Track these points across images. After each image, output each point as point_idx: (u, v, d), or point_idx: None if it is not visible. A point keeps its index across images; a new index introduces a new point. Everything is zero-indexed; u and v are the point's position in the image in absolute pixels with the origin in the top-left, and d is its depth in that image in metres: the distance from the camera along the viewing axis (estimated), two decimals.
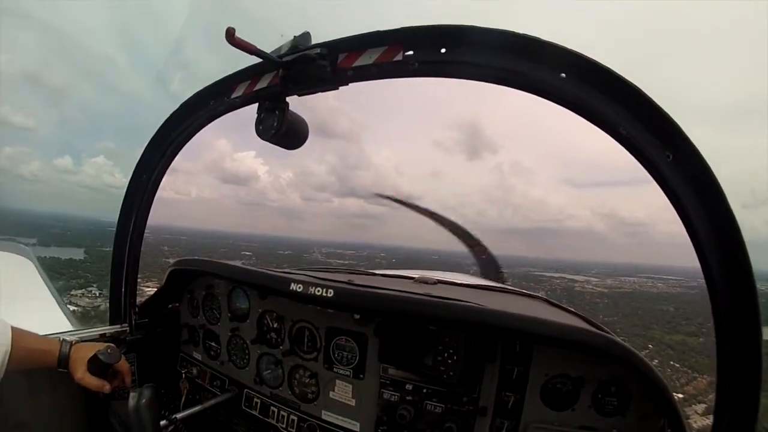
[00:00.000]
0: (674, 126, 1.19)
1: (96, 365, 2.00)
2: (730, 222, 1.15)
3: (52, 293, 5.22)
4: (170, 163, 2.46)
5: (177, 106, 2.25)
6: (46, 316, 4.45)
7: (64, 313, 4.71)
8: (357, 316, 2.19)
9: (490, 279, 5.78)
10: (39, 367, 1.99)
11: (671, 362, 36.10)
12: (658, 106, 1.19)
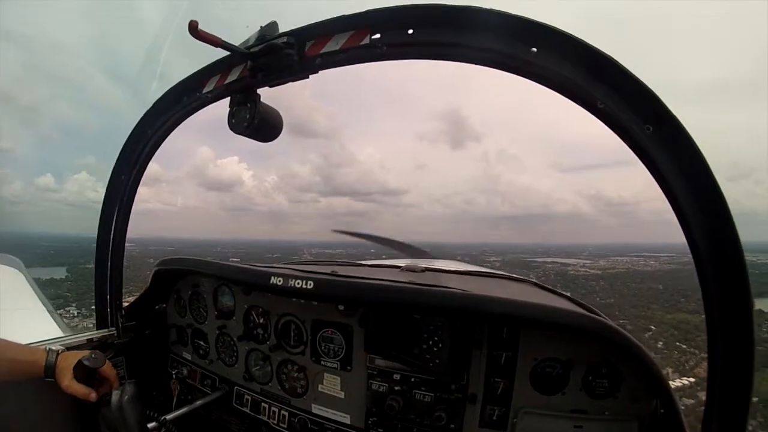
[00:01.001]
0: (653, 97, 1.17)
1: (81, 372, 2.02)
2: (714, 193, 1.14)
3: (43, 303, 5.25)
4: (149, 161, 2.46)
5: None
6: (38, 326, 4.45)
7: (56, 322, 4.71)
8: (341, 308, 2.19)
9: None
10: (26, 378, 2.00)
11: (677, 343, 35.84)
12: (636, 77, 1.18)
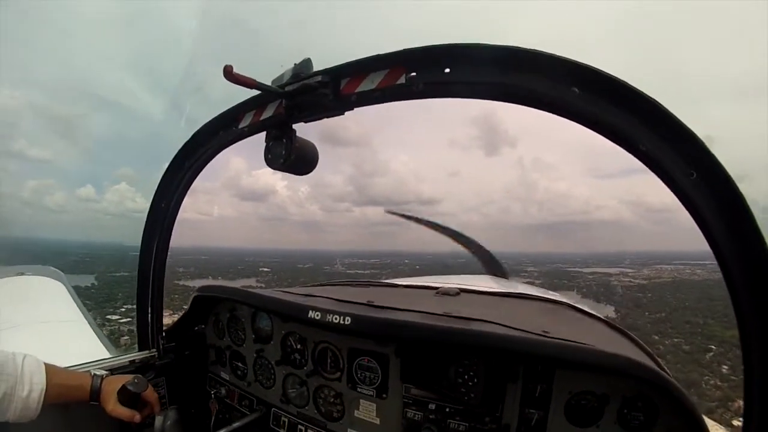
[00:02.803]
0: (697, 141, 1.16)
1: (125, 396, 2.15)
2: (756, 241, 1.12)
3: (84, 316, 5.41)
4: (187, 191, 2.59)
5: (191, 127, 2.37)
6: (79, 340, 4.63)
7: (97, 335, 4.88)
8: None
9: (496, 275, 6.03)
10: (72, 401, 2.13)
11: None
12: (680, 120, 1.16)
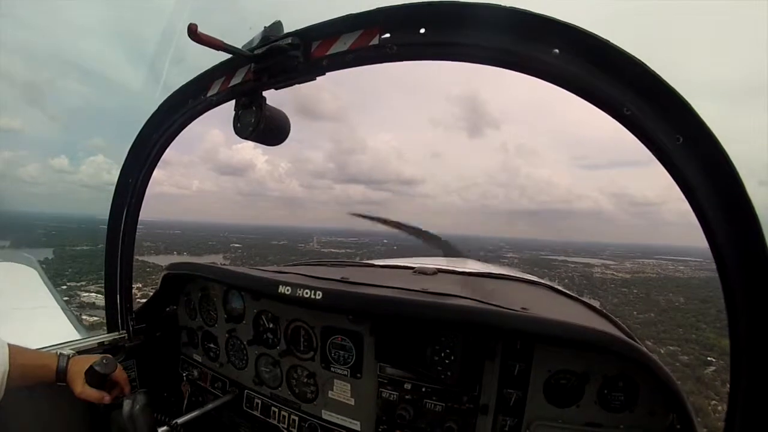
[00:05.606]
0: (684, 105, 1.12)
1: (93, 377, 2.09)
2: (747, 210, 1.09)
3: (57, 301, 5.40)
4: (156, 165, 2.51)
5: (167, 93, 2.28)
6: (51, 324, 4.60)
7: (70, 321, 4.85)
8: (350, 317, 2.22)
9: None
10: (38, 382, 2.07)
11: None
12: (666, 82, 1.12)
